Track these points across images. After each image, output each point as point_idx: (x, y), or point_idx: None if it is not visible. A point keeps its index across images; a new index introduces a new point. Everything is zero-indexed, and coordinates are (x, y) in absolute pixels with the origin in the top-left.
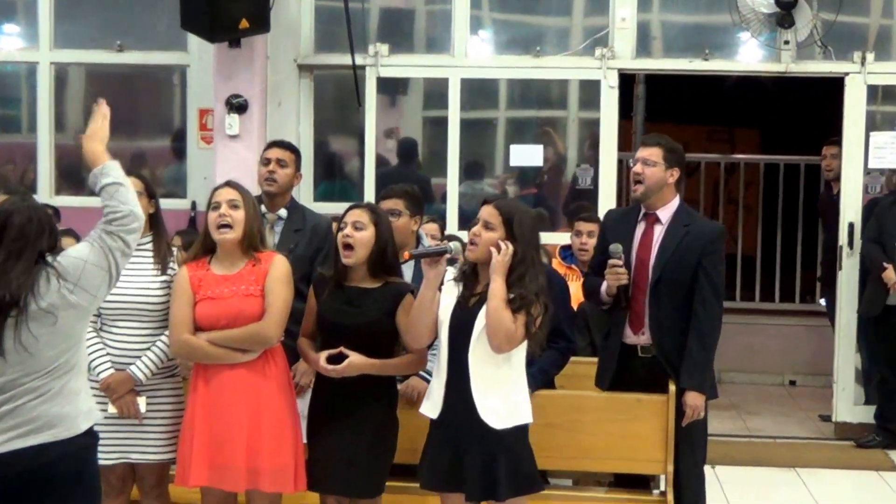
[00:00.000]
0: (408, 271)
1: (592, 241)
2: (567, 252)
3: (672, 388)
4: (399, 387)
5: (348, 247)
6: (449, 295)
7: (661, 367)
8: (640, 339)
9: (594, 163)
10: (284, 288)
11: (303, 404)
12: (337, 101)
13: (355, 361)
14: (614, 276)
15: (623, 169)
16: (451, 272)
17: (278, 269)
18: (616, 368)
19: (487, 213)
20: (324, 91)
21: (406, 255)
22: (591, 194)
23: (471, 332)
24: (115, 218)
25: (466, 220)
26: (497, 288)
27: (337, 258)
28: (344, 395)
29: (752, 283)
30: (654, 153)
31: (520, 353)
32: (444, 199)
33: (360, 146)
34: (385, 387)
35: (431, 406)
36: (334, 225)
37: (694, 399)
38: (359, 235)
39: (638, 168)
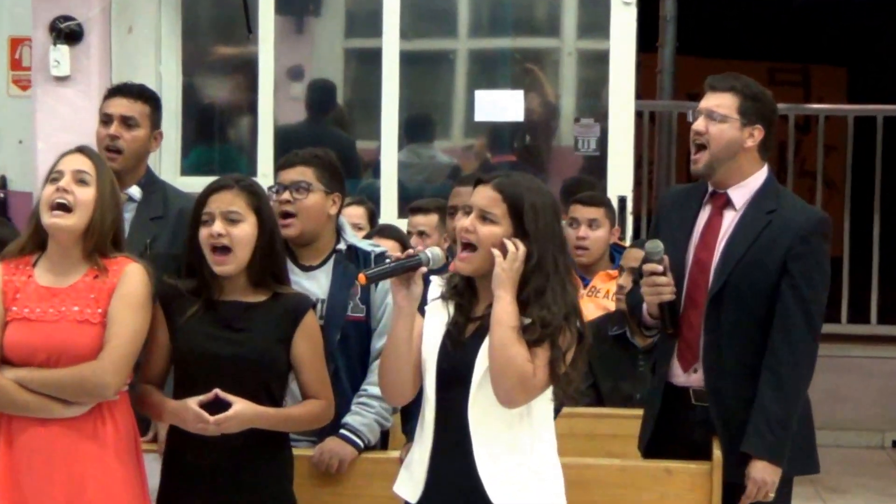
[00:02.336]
0: (322, 275)
1: (597, 235)
2: None
3: (718, 453)
4: (313, 453)
5: (222, 249)
6: (435, 321)
7: None
8: (692, 378)
9: (601, 117)
10: (135, 314)
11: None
12: (216, 27)
13: (244, 411)
14: (653, 289)
15: (645, 125)
16: (437, 285)
17: (130, 285)
18: (658, 421)
19: (484, 197)
20: (196, 12)
21: (361, 278)
22: (597, 164)
23: (469, 376)
24: None
25: (407, 204)
26: (504, 310)
27: (201, 264)
28: (216, 466)
29: (838, 298)
30: (724, 102)
31: (544, 404)
32: (375, 170)
33: (250, 94)
34: (276, 451)
35: (411, 485)
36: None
37: (762, 472)
38: (236, 232)
39: (700, 124)
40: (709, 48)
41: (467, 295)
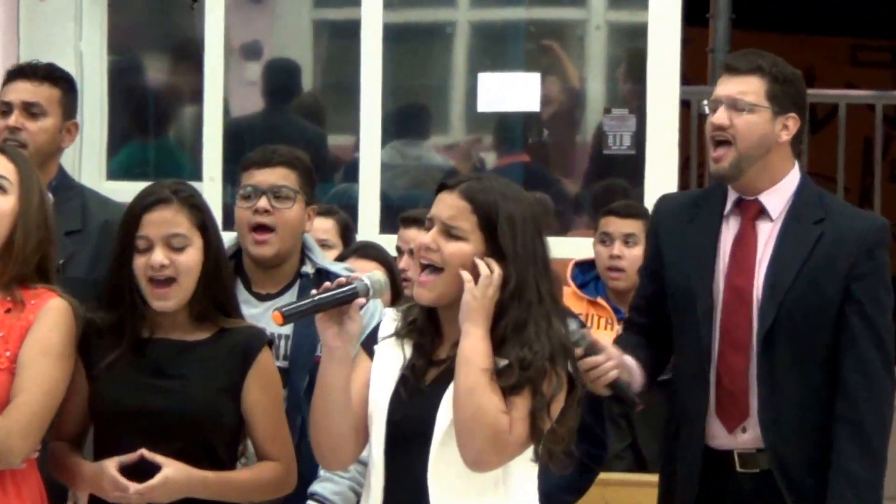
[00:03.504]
0: (291, 296)
1: (634, 253)
2: (588, 273)
3: None
4: None
5: (165, 282)
6: (387, 365)
7: (779, 494)
8: (739, 440)
9: (638, 107)
10: (53, 364)
11: None
12: None
13: (175, 476)
14: (590, 374)
15: (693, 117)
16: (391, 318)
17: (49, 325)
18: (695, 495)
19: (448, 206)
20: None
21: (276, 316)
22: (632, 164)
23: (429, 432)
24: None
25: (393, 215)
26: (474, 348)
27: (131, 295)
28: None
29: None
30: (750, 87)
31: (524, 467)
32: (351, 173)
33: (195, 76)
34: None
35: None
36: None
37: None
38: (182, 259)
39: (720, 117)
40: (772, 21)
41: (428, 332)
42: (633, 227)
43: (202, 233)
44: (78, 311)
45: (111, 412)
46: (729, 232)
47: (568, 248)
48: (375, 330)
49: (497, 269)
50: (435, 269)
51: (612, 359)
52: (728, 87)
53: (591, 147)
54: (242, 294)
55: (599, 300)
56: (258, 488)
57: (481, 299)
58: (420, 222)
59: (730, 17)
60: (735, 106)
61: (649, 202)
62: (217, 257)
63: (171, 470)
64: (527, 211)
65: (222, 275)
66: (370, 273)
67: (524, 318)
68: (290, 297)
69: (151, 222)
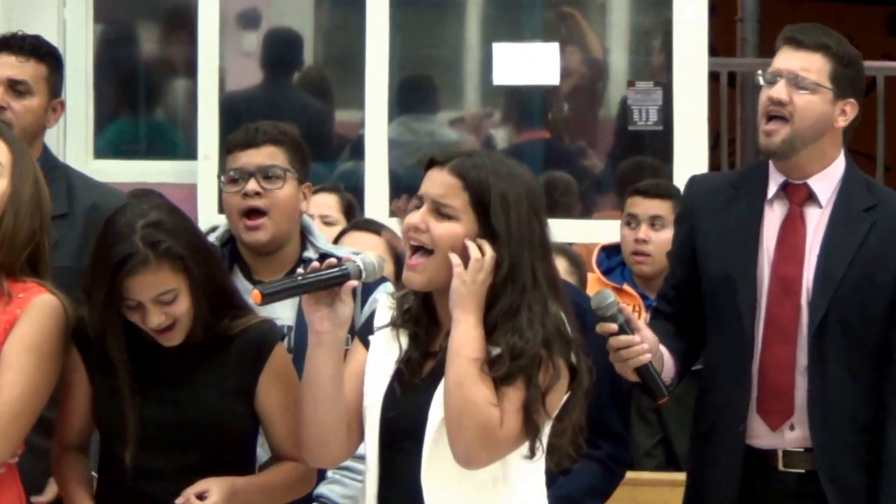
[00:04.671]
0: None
1: (662, 236)
2: (614, 258)
3: None
4: None
5: (166, 329)
6: (382, 358)
7: (822, 496)
8: (785, 438)
9: (664, 80)
10: (38, 363)
11: None
12: None
13: (222, 497)
14: (618, 355)
15: (723, 90)
16: (387, 307)
17: (36, 322)
18: (735, 498)
19: (438, 184)
20: None
21: (255, 295)
22: (659, 142)
23: (422, 429)
24: None
25: (403, 193)
26: (464, 337)
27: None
28: None
29: None
30: (814, 65)
31: (525, 463)
32: (357, 151)
33: (188, 47)
34: None
35: None
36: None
37: None
38: (177, 310)
39: (780, 91)
40: None
41: (424, 321)
42: (661, 208)
43: (187, 275)
44: (69, 309)
45: (115, 426)
46: (773, 217)
47: (593, 232)
48: (371, 318)
49: (489, 251)
50: (425, 251)
51: (646, 341)
52: (790, 60)
53: (615, 122)
54: (242, 283)
55: (626, 287)
56: (288, 491)
57: (471, 284)
58: None
59: None
60: (796, 82)
61: (679, 181)
62: (208, 276)
63: (217, 496)
64: (521, 189)
65: (216, 283)
66: (363, 254)
67: (517, 303)
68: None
69: (137, 288)
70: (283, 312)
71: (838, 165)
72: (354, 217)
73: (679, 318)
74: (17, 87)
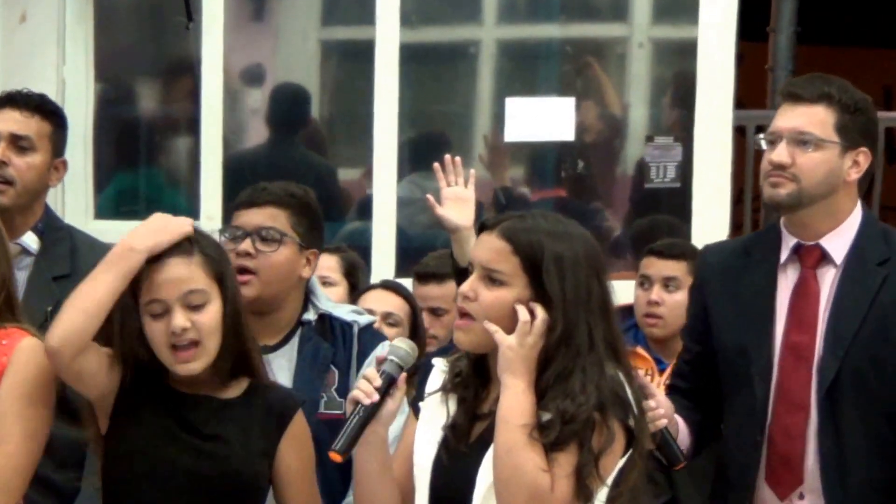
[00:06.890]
0: (283, 359)
1: (675, 298)
2: (627, 320)
3: None
4: None
5: (188, 346)
6: (431, 424)
7: None
8: None
9: (685, 135)
10: (33, 411)
11: None
12: (141, 14)
13: None
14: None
15: (749, 145)
16: (440, 371)
17: (25, 369)
18: None
19: (488, 249)
20: None
21: (333, 456)
22: (678, 200)
23: (470, 496)
24: None
25: (411, 256)
26: (512, 403)
27: (148, 356)
28: None
29: None
30: (817, 118)
31: None
32: (364, 210)
33: (191, 104)
34: None
35: None
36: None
37: None
38: (204, 320)
39: (782, 154)
40: (842, 34)
41: (473, 384)
42: (676, 269)
43: (220, 284)
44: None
45: (140, 468)
46: (787, 283)
47: None
48: (423, 385)
49: (541, 315)
50: (472, 318)
51: (660, 406)
52: (790, 118)
53: (631, 180)
54: None
55: (639, 349)
56: None
57: (518, 349)
58: (437, 277)
59: (794, 30)
60: (799, 141)
61: (697, 240)
62: (234, 305)
63: None
64: (579, 250)
65: (241, 323)
66: (392, 347)
67: (570, 366)
68: (291, 348)
69: (163, 281)
70: (276, 378)
71: (854, 220)
72: (357, 277)
73: (695, 393)
74: (19, 143)
